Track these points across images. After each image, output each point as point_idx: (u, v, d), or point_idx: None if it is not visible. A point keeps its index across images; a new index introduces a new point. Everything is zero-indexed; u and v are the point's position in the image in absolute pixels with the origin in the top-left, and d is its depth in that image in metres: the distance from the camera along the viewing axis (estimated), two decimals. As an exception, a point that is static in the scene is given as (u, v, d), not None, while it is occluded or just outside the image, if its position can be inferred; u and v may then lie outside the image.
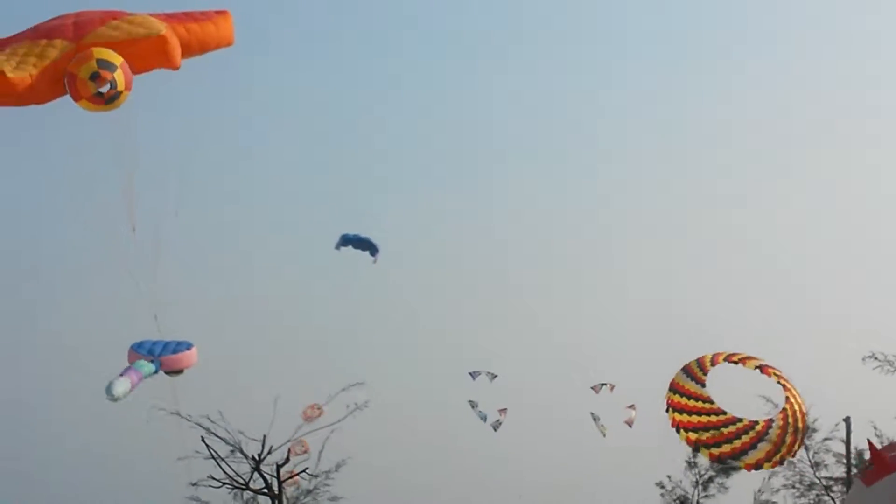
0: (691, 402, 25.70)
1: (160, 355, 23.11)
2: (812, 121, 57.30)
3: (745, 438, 25.35)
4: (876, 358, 25.54)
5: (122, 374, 22.64)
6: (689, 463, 26.40)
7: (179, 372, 23.61)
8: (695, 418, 25.65)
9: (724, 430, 25.47)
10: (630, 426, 31.54)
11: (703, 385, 25.75)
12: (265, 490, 25.23)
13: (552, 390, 32.38)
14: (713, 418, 25.70)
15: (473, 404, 32.09)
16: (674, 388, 26.23)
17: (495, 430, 31.87)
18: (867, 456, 26.25)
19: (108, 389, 22.00)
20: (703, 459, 26.76)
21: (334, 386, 25.42)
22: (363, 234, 25.83)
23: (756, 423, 25.76)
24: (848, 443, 26.36)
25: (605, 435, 31.94)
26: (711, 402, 25.84)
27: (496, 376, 30.46)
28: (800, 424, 25.70)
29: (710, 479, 26.53)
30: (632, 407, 32.02)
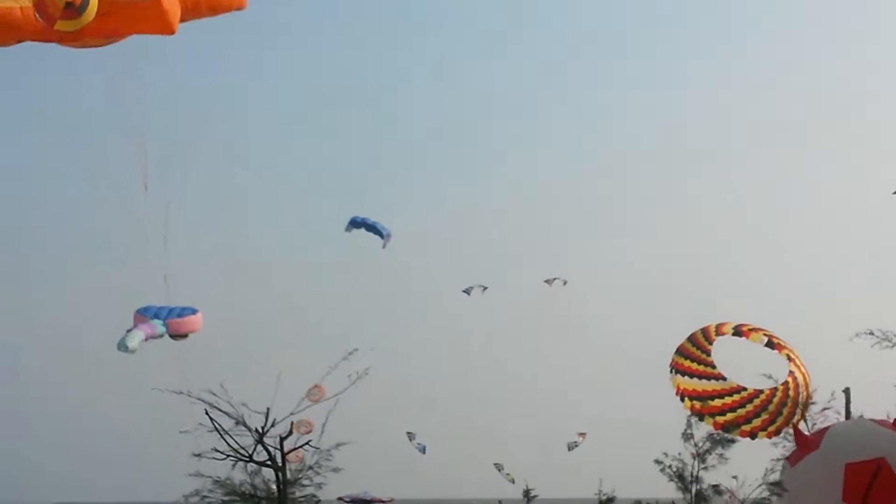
0: (695, 366, 25.97)
1: (166, 319, 23.24)
2: (809, 94, 58.04)
3: (748, 407, 25.58)
4: (873, 334, 25.69)
5: (134, 327, 22.72)
6: (685, 435, 26.41)
7: (184, 336, 23.73)
8: (698, 383, 25.89)
9: (728, 400, 25.69)
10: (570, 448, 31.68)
11: (709, 353, 26.02)
12: (268, 462, 25.37)
13: (554, 362, 32.66)
14: (716, 385, 25.92)
15: (411, 436, 32.43)
16: (680, 352, 26.49)
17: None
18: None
19: (122, 343, 22.08)
20: (699, 431, 26.89)
21: (336, 358, 25.57)
22: (371, 219, 26.23)
23: (760, 392, 25.99)
24: (847, 413, 26.55)
25: (513, 482, 32.11)
26: (714, 368, 26.10)
27: (486, 288, 31.02)
28: (801, 398, 25.89)
29: (708, 451, 26.54)
30: (582, 435, 32.31)
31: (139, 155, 18.94)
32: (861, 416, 26.20)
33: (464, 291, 31.70)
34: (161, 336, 23.38)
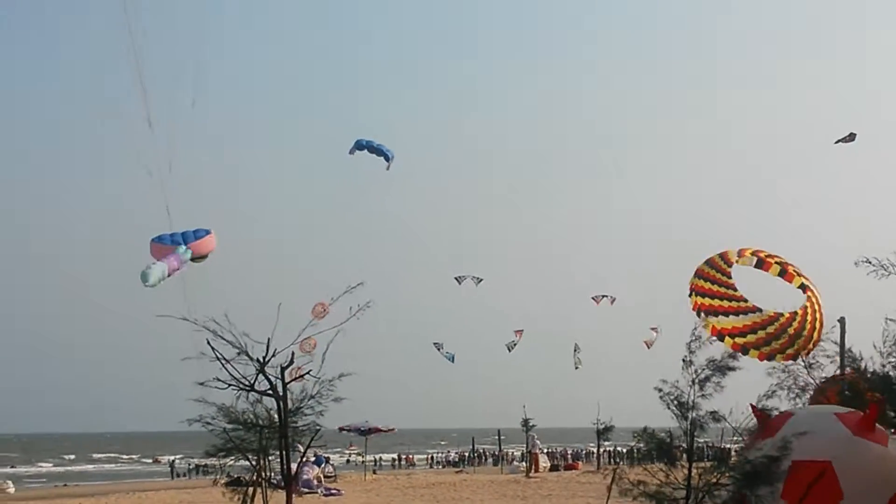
0: (715, 287, 26.24)
1: (187, 243, 24.17)
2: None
3: (769, 329, 25.68)
4: (869, 262, 25.98)
5: (158, 261, 23.50)
6: (684, 362, 26.31)
7: (204, 257, 24.64)
8: (717, 302, 26.07)
9: (748, 321, 25.81)
10: (648, 347, 31.08)
11: (729, 276, 26.28)
12: (269, 391, 25.84)
13: (553, 303, 33.04)
14: (734, 304, 26.10)
15: (439, 346, 31.53)
16: (699, 275, 26.76)
17: (510, 350, 32.01)
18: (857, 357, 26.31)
19: (144, 275, 22.88)
20: (698, 358, 26.72)
21: (337, 290, 26.27)
22: (376, 142, 27.28)
23: (780, 315, 26.08)
24: (842, 343, 26.54)
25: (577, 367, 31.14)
26: (735, 290, 26.35)
27: (481, 280, 31.15)
28: (818, 325, 26.02)
29: (707, 378, 26.38)
30: (654, 329, 31.67)
31: (140, 90, 20.16)
32: (824, 407, 25.88)
33: (455, 279, 32.04)
34: (186, 262, 24.24)
